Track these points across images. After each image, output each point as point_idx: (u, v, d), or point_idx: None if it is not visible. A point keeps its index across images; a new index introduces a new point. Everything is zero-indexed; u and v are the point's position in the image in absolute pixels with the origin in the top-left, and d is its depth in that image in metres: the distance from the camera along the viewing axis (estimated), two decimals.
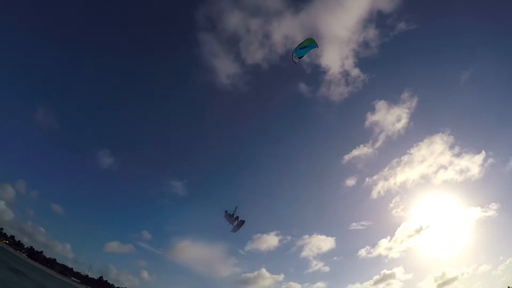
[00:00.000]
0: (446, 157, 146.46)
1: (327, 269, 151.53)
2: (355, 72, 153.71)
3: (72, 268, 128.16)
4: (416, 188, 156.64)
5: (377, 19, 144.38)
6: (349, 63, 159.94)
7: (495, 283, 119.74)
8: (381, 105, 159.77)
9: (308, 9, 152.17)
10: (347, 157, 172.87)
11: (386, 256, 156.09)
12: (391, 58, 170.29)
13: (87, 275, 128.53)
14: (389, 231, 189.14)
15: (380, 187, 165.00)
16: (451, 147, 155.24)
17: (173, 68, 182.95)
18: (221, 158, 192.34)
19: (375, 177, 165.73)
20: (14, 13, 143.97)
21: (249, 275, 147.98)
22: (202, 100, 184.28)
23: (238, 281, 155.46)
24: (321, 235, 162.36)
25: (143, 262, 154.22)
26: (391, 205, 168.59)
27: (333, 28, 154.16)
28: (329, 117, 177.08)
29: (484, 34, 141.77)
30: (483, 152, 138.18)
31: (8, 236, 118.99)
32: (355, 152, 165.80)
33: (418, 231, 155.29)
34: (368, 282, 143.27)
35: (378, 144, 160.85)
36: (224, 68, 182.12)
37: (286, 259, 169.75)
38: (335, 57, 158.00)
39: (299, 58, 22.79)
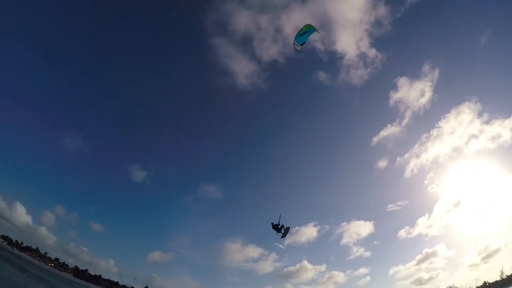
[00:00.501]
0: (476, 126, 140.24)
1: (368, 254, 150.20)
2: (372, 52, 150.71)
3: (117, 282, 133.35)
4: (449, 161, 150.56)
5: None
6: (365, 44, 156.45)
7: None
8: (402, 81, 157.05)
9: None
10: (375, 139, 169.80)
11: (426, 235, 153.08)
12: (405, 33, 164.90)
13: (133, 287, 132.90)
14: (427, 209, 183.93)
15: (412, 165, 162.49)
16: (480, 114, 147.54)
17: (191, 77, 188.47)
18: (251, 157, 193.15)
19: (406, 156, 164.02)
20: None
21: (291, 268, 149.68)
22: (225, 103, 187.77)
23: (281, 275, 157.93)
24: (358, 220, 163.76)
25: (186, 268, 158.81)
26: (426, 181, 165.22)
27: (343, 12, 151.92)
28: (352, 101, 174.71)
29: None
30: None
31: (53, 259, 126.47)
32: (383, 133, 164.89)
33: (456, 205, 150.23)
34: (411, 262, 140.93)
35: (405, 122, 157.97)
36: (242, 69, 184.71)
37: (326, 249, 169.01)
38: (349, 41, 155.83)
39: (301, 45, 21.69)
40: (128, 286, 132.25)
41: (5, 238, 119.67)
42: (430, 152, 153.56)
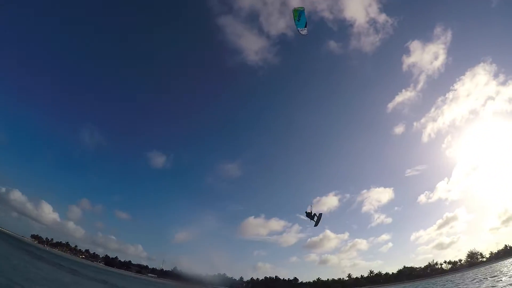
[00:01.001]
0: (492, 87, 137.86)
1: (389, 220, 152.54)
2: (382, 17, 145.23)
3: (147, 266, 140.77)
4: (467, 124, 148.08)
5: None
6: (374, 10, 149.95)
7: None
8: (415, 45, 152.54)
9: None
10: (391, 105, 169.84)
11: (446, 199, 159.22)
12: None
13: (162, 269, 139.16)
14: (446, 173, 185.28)
15: (429, 129, 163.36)
16: (495, 75, 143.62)
17: (202, 59, 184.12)
18: (266, 132, 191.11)
19: (422, 120, 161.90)
20: None
21: (315, 239, 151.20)
22: (238, 81, 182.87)
23: (305, 246, 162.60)
24: (378, 187, 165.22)
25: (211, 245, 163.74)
26: (444, 145, 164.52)
27: None
28: (365, 68, 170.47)
29: None
30: None
31: (83, 250, 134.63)
32: (398, 99, 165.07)
33: (475, 168, 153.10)
34: (432, 227, 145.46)
35: (419, 86, 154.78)
36: (251, 45, 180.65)
37: (348, 217, 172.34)
38: (358, 8, 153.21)
39: (305, 28, 22.77)
40: (158, 268, 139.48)
41: (36, 237, 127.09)
42: (447, 116, 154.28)
